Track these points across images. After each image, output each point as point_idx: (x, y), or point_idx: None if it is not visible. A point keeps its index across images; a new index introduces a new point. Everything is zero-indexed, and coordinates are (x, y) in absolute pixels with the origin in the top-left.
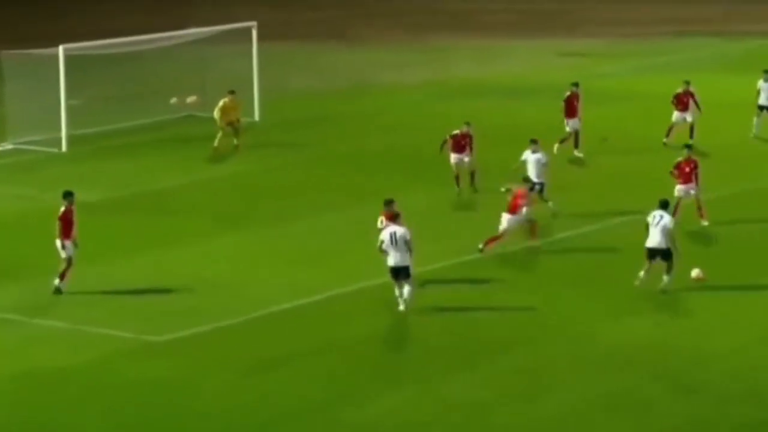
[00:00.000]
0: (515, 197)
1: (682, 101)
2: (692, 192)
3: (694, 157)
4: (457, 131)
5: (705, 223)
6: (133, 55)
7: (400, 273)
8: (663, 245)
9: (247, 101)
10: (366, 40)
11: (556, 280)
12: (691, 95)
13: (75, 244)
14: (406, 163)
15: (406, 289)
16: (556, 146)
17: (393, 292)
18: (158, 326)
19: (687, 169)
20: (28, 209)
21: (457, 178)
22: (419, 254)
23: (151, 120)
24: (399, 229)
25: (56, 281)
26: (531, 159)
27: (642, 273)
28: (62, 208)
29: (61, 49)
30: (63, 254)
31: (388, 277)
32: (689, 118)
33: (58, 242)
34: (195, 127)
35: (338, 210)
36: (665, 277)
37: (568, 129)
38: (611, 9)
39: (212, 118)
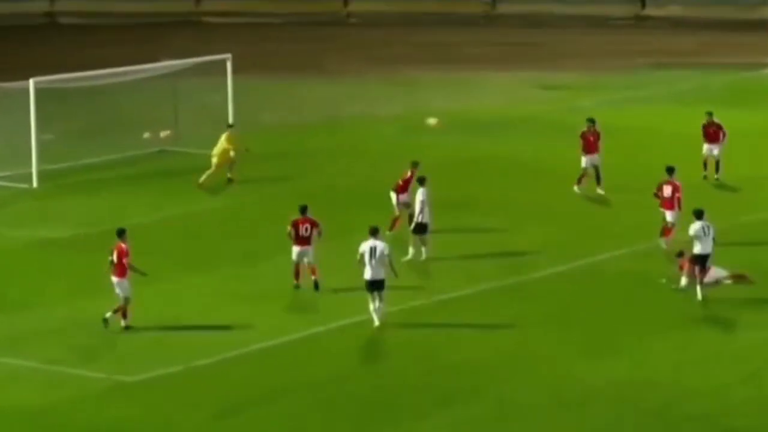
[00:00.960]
0: None
1: (708, 133)
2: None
3: (677, 181)
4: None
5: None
6: (105, 88)
7: (375, 286)
8: (711, 251)
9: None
10: (341, 73)
11: (532, 318)
12: (718, 126)
13: (140, 272)
14: (378, 199)
15: (379, 303)
16: (575, 187)
17: (368, 309)
18: (129, 366)
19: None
20: None
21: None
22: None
23: (123, 155)
24: (379, 244)
25: (122, 322)
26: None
27: (684, 280)
28: (116, 246)
29: (31, 82)
30: (120, 293)
31: (364, 291)
32: (716, 150)
33: (113, 279)
34: (168, 162)
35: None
36: (700, 288)
37: (583, 165)
38: (590, 41)
39: (186, 153)
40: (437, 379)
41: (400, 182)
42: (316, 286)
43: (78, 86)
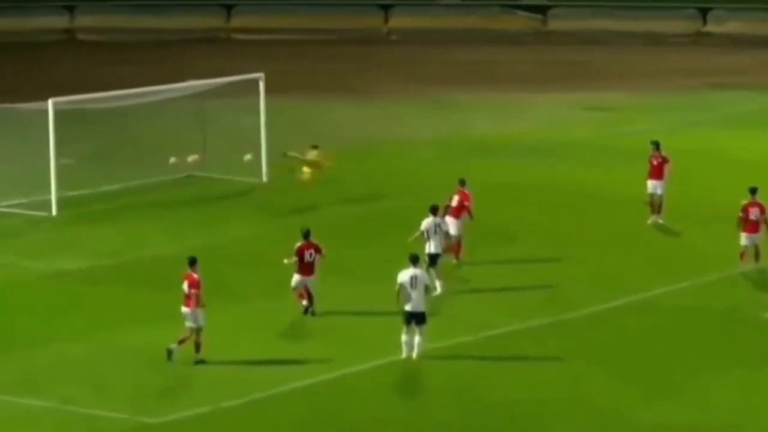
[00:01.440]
0: None
1: None
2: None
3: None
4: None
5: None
6: (128, 110)
7: (415, 318)
8: None
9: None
10: (375, 94)
11: (582, 356)
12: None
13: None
14: (416, 227)
15: (418, 338)
16: (650, 219)
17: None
18: (154, 407)
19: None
20: (12, 279)
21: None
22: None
23: (148, 180)
24: (419, 273)
25: (195, 354)
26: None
27: None
28: (187, 275)
29: (50, 103)
30: (192, 324)
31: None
32: None
33: (184, 310)
34: (195, 188)
35: (345, 280)
36: None
37: (648, 191)
38: (638, 59)
39: (215, 179)
40: (481, 419)
41: (452, 205)
42: (310, 310)
43: (99, 107)
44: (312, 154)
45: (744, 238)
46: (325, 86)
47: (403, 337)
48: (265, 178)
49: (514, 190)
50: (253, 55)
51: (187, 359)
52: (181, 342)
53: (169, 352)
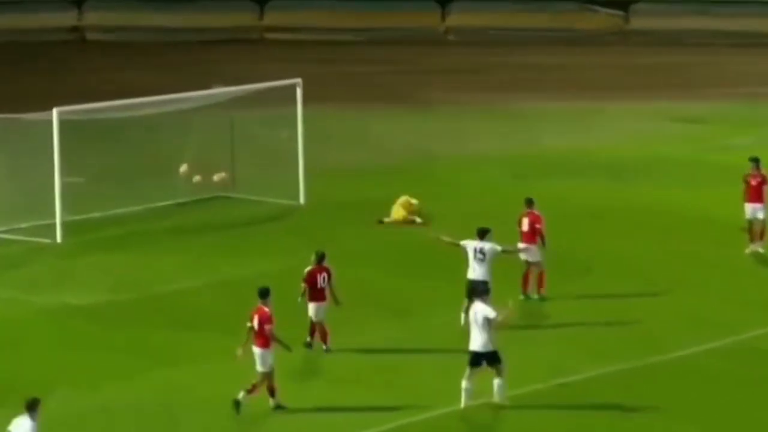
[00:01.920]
0: None
1: None
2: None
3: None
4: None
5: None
6: (145, 121)
7: (483, 359)
8: None
9: (291, 179)
10: (434, 103)
11: (674, 405)
12: None
13: (284, 345)
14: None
15: (498, 380)
16: (749, 248)
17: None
18: None
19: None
20: (11, 315)
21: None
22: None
23: (168, 203)
24: (480, 307)
25: (271, 402)
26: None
27: None
28: (257, 310)
29: (55, 112)
30: (260, 367)
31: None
32: None
33: (255, 349)
34: (222, 212)
35: (395, 317)
36: None
37: (747, 216)
38: (733, 62)
39: (245, 200)
40: None
41: (523, 229)
42: (326, 348)
43: (112, 117)
44: (402, 210)
45: None
46: (371, 95)
47: (464, 384)
48: (302, 200)
49: (592, 215)
50: (289, 58)
51: (209, 408)
52: (251, 390)
53: (237, 404)
